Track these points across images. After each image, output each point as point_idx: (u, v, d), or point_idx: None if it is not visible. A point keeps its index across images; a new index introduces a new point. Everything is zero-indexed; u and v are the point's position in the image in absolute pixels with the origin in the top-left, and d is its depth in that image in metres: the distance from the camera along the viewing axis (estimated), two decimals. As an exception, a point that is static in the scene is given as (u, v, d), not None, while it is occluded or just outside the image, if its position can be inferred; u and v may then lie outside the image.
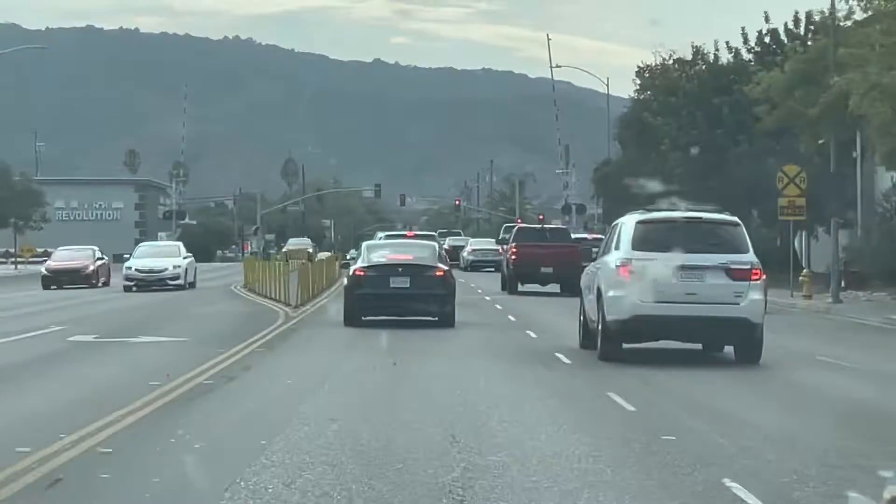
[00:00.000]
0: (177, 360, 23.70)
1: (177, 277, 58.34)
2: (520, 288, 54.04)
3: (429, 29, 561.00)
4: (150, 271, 58.23)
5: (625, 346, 24.54)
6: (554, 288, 53.67)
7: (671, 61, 69.49)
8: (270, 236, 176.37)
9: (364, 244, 37.94)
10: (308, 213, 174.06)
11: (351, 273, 34.29)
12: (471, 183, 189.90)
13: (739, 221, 25.06)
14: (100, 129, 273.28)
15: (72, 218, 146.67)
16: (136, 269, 58.54)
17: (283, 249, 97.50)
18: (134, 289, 57.34)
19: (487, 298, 48.65)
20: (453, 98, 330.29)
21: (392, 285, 33.16)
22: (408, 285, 33.16)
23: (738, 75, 62.49)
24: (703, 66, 67.97)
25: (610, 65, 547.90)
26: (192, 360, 23.22)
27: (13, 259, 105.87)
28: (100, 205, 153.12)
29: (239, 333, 30.14)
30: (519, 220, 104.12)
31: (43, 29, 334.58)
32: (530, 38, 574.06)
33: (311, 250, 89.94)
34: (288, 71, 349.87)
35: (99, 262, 65.24)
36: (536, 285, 54.60)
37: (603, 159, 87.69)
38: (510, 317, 37.71)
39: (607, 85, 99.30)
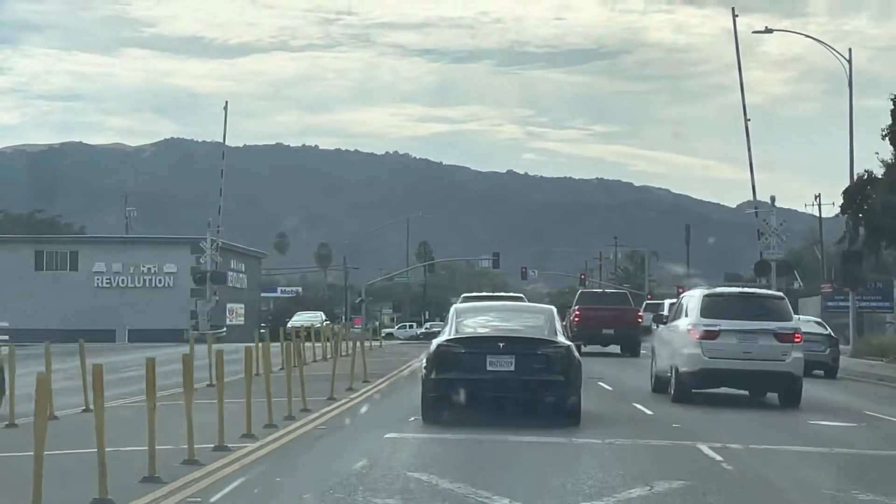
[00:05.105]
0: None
1: None
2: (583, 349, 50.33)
3: (552, 147, 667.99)
4: None
5: (693, 391, 29.05)
6: (614, 349, 55.39)
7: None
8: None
9: (453, 308, 26.65)
10: (437, 292, 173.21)
11: (433, 349, 24.13)
12: (591, 262, 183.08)
13: (784, 295, 30.68)
14: (270, 228, 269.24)
15: (113, 284, 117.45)
16: None
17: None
18: None
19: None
20: (571, 202, 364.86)
21: (490, 367, 23.36)
22: (513, 367, 23.36)
23: None
24: None
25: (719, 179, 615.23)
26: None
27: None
28: (148, 268, 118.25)
29: None
30: (650, 297, 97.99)
31: (241, 146, 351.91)
32: (636, 154, 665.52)
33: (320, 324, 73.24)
34: (436, 180, 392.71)
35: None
36: (598, 346, 55.65)
37: (858, 175, 62.21)
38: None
39: (850, 61, 66.80)
